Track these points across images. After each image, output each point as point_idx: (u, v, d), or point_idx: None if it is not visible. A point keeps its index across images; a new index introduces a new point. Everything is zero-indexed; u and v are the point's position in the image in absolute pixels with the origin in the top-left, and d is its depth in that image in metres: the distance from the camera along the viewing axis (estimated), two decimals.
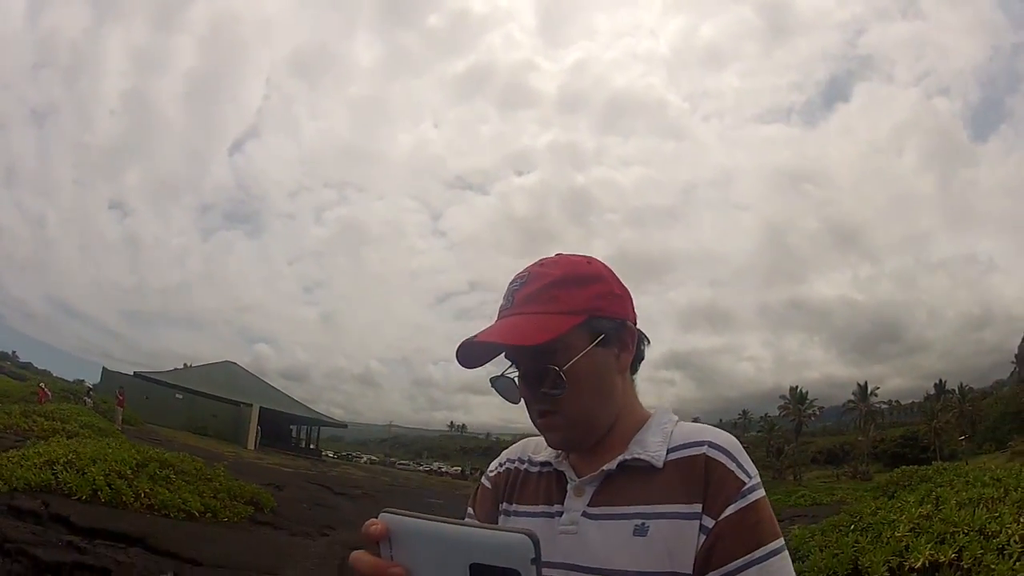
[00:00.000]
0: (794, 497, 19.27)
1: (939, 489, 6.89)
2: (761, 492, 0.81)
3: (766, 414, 72.58)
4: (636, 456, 0.85)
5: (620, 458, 0.85)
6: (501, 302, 0.89)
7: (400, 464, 59.46)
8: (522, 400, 0.89)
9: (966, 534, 4.61)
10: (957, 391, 61.57)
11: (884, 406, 67.68)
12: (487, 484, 1.01)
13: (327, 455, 37.69)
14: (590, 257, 0.93)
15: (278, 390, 37.27)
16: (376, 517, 0.57)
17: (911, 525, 5.10)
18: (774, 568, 0.77)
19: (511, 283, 0.89)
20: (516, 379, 0.88)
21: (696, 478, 0.81)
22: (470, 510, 1.01)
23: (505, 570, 0.54)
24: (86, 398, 23.05)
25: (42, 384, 24.50)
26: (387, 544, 0.57)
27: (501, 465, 1.03)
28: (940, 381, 64.48)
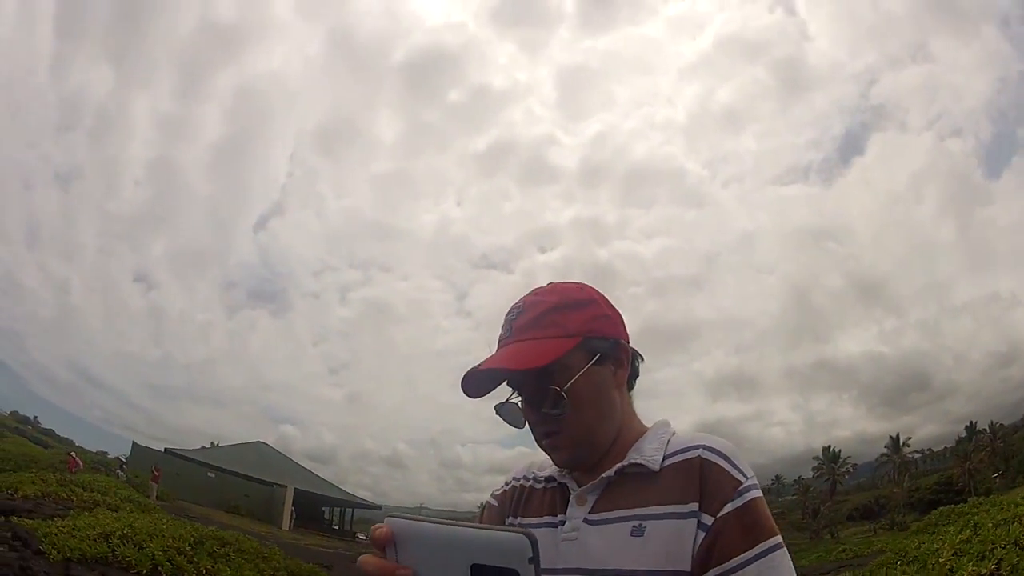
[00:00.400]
0: (835, 553, 19.67)
1: (976, 517, 7.47)
2: (758, 492, 0.84)
3: (799, 477, 71.19)
4: (633, 462, 0.89)
5: (618, 465, 0.90)
6: (500, 332, 0.94)
7: None
8: (527, 424, 0.94)
9: (1004, 547, 5.02)
10: (988, 430, 60.37)
11: (917, 455, 66.65)
12: (494, 502, 1.05)
13: (360, 536, 36.52)
14: (582, 284, 0.98)
15: (309, 471, 37.23)
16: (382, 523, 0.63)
17: (953, 550, 5.56)
18: (775, 563, 0.80)
19: (508, 314, 0.94)
20: (520, 404, 0.93)
21: (692, 479, 0.84)
22: None
23: (504, 570, 0.56)
24: (119, 471, 22.94)
25: (73, 453, 24.34)
26: (392, 547, 0.60)
27: (507, 484, 1.06)
28: (971, 423, 63.06)
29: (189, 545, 8.18)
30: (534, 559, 0.55)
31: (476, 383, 0.90)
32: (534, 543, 0.56)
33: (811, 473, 64.45)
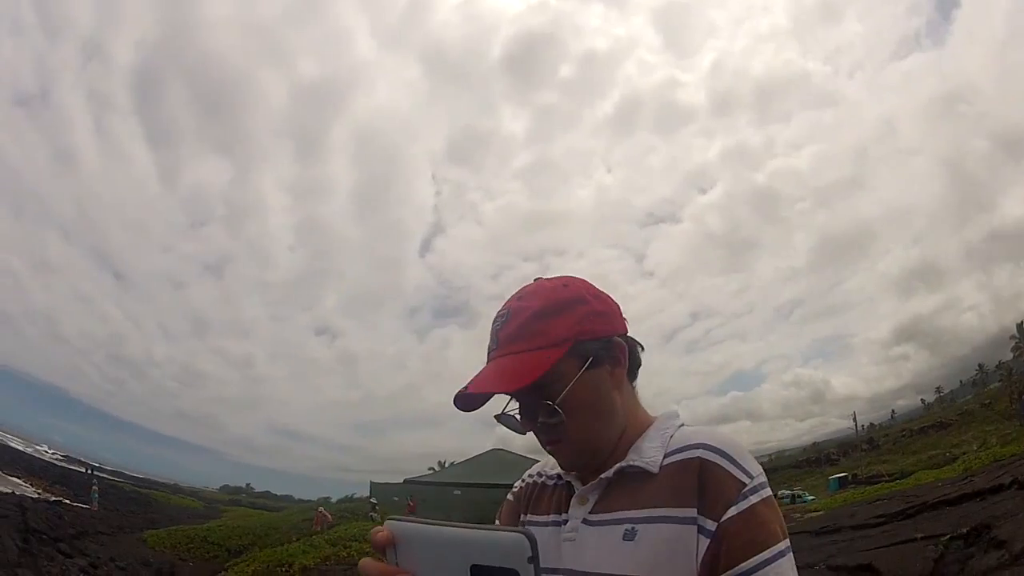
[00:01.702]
0: None
1: None
2: (765, 492, 0.80)
3: (999, 361, 64.28)
4: (632, 463, 0.86)
5: (617, 466, 0.87)
6: (488, 343, 0.90)
7: None
8: (521, 433, 0.93)
9: None
10: None
11: None
12: (511, 498, 1.06)
13: None
14: (568, 278, 0.93)
15: (537, 462, 34.98)
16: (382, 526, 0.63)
17: None
18: (782, 570, 0.77)
19: (494, 322, 0.90)
20: (517, 414, 0.91)
21: (689, 481, 0.81)
22: (496, 522, 1.04)
23: (504, 570, 0.56)
24: (372, 514, 23.31)
25: (321, 508, 24.52)
26: (392, 550, 0.60)
27: (524, 481, 1.06)
28: None
29: None
30: (533, 558, 0.55)
31: (470, 400, 0.87)
32: (533, 542, 0.56)
33: (1011, 355, 59.26)
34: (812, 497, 32.84)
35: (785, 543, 0.78)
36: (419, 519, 0.61)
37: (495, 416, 0.93)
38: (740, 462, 0.81)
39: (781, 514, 0.81)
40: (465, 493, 29.34)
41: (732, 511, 0.77)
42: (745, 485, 0.79)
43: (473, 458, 36.66)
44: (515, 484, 1.07)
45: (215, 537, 23.49)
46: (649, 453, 0.86)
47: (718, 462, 0.80)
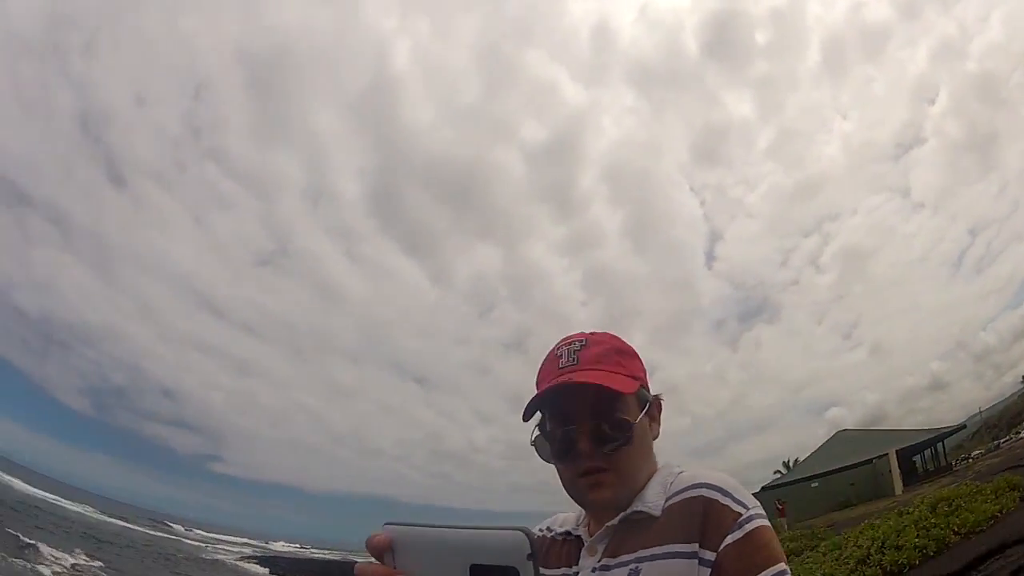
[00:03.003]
0: None
1: None
2: (761, 521, 0.85)
3: None
4: (636, 509, 0.92)
5: (622, 513, 0.93)
6: (559, 360, 0.96)
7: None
8: (556, 461, 0.96)
9: None
10: None
11: None
12: None
13: (959, 465, 31.71)
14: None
15: (885, 430, 34.96)
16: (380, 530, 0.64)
17: None
18: None
19: (568, 345, 0.98)
20: (562, 434, 0.93)
21: (693, 518, 0.86)
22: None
23: (503, 568, 0.57)
24: None
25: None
26: (390, 554, 0.61)
27: (539, 531, 1.08)
28: None
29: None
30: (532, 555, 0.56)
31: (535, 404, 0.94)
32: (532, 539, 0.56)
33: None
34: None
35: (782, 566, 0.82)
36: (417, 521, 0.62)
37: (533, 440, 0.98)
38: (737, 496, 0.86)
39: (778, 540, 0.86)
40: (822, 483, 29.66)
41: (729, 539, 0.82)
42: (741, 515, 0.84)
43: (819, 448, 35.86)
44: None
45: None
46: (651, 499, 0.91)
47: (716, 498, 0.86)
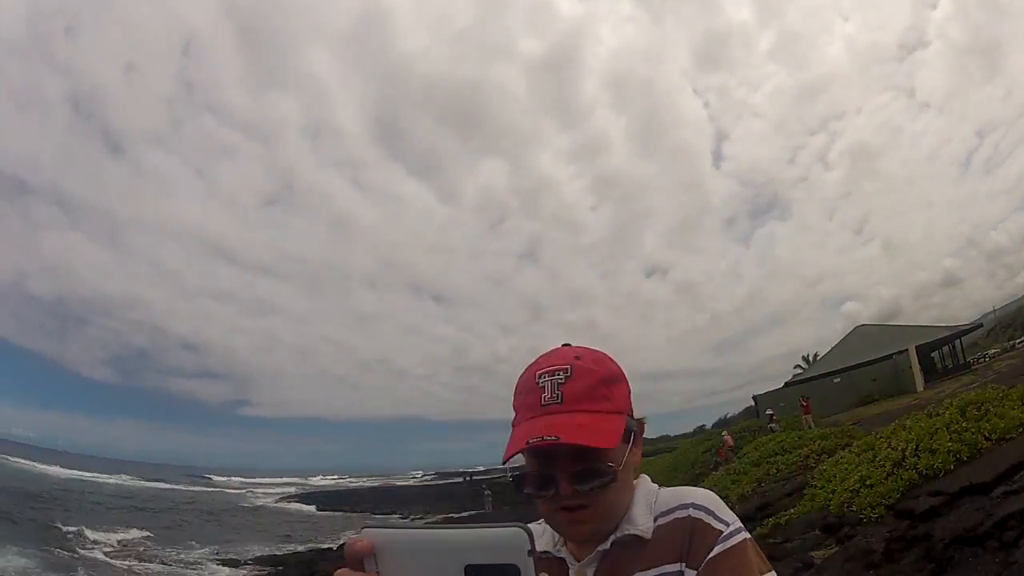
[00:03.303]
0: None
1: None
2: (742, 536, 0.86)
3: None
4: (626, 532, 0.90)
5: (613, 537, 0.91)
6: (541, 393, 0.90)
7: None
8: (529, 493, 0.90)
9: None
10: None
11: None
12: None
13: (978, 364, 31.87)
14: (608, 354, 0.97)
15: (902, 326, 34.42)
16: (359, 534, 0.60)
17: None
18: None
19: (550, 375, 0.90)
20: (550, 476, 0.88)
21: (680, 539, 0.87)
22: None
23: (502, 567, 0.55)
24: (772, 425, 22.43)
25: (724, 433, 24.73)
26: (372, 560, 0.58)
27: None
28: None
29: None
30: (532, 552, 0.55)
31: (516, 451, 0.88)
32: (531, 535, 0.56)
33: None
34: None
35: (770, 575, 0.84)
36: (401, 525, 0.62)
37: (513, 477, 0.93)
38: (719, 514, 0.88)
39: (761, 553, 0.87)
40: (844, 379, 29.83)
41: (711, 556, 0.84)
42: (722, 532, 0.85)
43: (839, 343, 35.91)
44: None
45: None
46: (640, 520, 0.91)
47: (701, 517, 0.87)
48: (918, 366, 28.37)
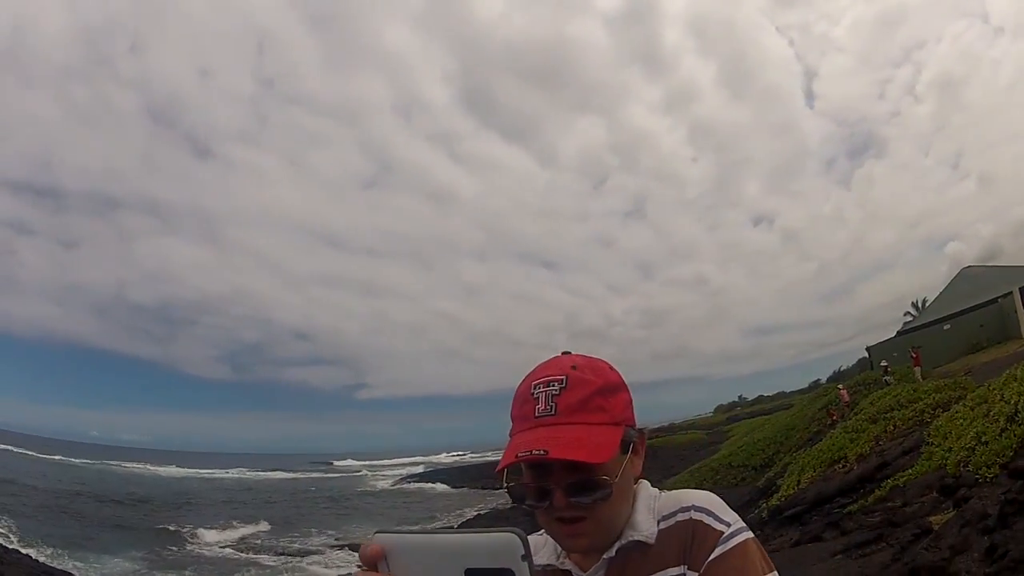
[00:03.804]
0: None
1: None
2: (744, 536, 0.86)
3: None
4: (631, 538, 0.90)
5: (618, 544, 0.90)
6: (535, 404, 0.88)
7: None
8: (531, 506, 0.89)
9: None
10: None
11: None
12: None
13: None
14: (609, 363, 0.95)
15: (1008, 267, 32.44)
16: (371, 539, 0.64)
17: None
18: None
19: (545, 385, 0.89)
20: (545, 487, 0.86)
21: (683, 542, 0.87)
22: None
23: (498, 571, 0.58)
24: (886, 378, 22.16)
25: (840, 387, 24.40)
26: (384, 563, 0.63)
27: None
28: None
29: None
30: (527, 556, 0.57)
31: (509, 464, 0.86)
32: (524, 540, 0.58)
33: None
34: None
35: (772, 575, 0.84)
36: (407, 529, 0.64)
37: (509, 488, 0.91)
38: (720, 515, 0.87)
39: (765, 553, 0.86)
40: (953, 325, 29.01)
41: (712, 556, 0.84)
42: (723, 533, 0.85)
43: (946, 287, 34.82)
44: None
45: (736, 460, 23.88)
46: (643, 525, 0.90)
47: (703, 519, 0.87)
48: (1023, 309, 27.19)
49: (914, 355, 22.13)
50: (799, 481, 13.69)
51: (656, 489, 0.97)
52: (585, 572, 0.93)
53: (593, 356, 0.95)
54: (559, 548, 0.96)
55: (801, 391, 50.81)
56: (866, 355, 34.20)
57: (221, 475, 62.52)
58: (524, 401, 0.90)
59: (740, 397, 76.64)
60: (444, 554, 0.60)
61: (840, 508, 10.65)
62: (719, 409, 72.57)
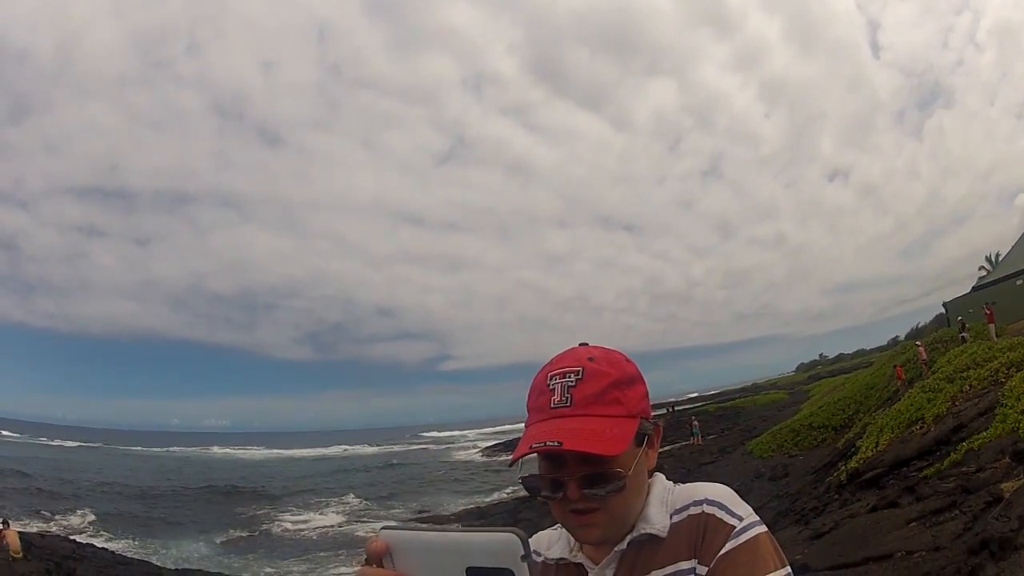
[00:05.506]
0: None
1: None
2: (758, 529, 0.85)
3: None
4: (643, 531, 0.89)
5: (630, 537, 0.90)
6: (551, 395, 0.89)
7: None
8: (543, 496, 0.89)
9: None
10: None
11: None
12: None
13: None
14: (625, 354, 0.95)
15: None
16: (376, 535, 0.65)
17: None
18: None
19: (561, 377, 0.90)
20: (559, 479, 0.87)
21: (695, 536, 0.87)
22: None
23: (498, 571, 0.59)
24: (963, 334, 21.66)
25: (918, 344, 23.37)
26: (389, 558, 0.64)
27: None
28: None
29: None
30: (526, 556, 0.58)
31: (524, 453, 0.86)
32: (524, 541, 0.59)
33: None
34: None
35: (785, 570, 0.82)
36: (414, 526, 0.65)
37: (523, 480, 0.92)
38: (732, 508, 0.86)
39: (778, 546, 0.84)
40: None
41: (723, 551, 0.83)
42: (735, 527, 0.84)
43: (1019, 241, 33.12)
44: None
45: (817, 420, 23.08)
46: (656, 519, 0.90)
47: (715, 513, 0.87)
48: None
49: (988, 312, 21.58)
50: (877, 443, 13.38)
51: (670, 483, 0.96)
52: (597, 565, 0.92)
53: (610, 348, 0.95)
54: (572, 542, 0.96)
55: (880, 348, 50.12)
56: (943, 311, 33.38)
57: (304, 453, 63.37)
58: (540, 392, 0.91)
59: (821, 355, 75.55)
60: (447, 552, 0.61)
61: (917, 472, 10.51)
62: (800, 368, 71.66)
